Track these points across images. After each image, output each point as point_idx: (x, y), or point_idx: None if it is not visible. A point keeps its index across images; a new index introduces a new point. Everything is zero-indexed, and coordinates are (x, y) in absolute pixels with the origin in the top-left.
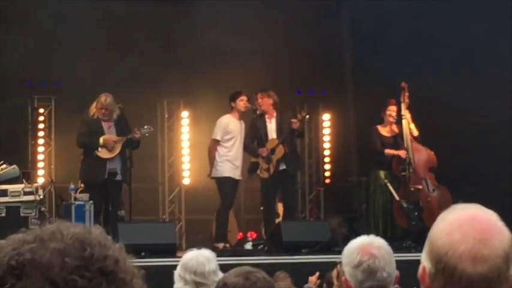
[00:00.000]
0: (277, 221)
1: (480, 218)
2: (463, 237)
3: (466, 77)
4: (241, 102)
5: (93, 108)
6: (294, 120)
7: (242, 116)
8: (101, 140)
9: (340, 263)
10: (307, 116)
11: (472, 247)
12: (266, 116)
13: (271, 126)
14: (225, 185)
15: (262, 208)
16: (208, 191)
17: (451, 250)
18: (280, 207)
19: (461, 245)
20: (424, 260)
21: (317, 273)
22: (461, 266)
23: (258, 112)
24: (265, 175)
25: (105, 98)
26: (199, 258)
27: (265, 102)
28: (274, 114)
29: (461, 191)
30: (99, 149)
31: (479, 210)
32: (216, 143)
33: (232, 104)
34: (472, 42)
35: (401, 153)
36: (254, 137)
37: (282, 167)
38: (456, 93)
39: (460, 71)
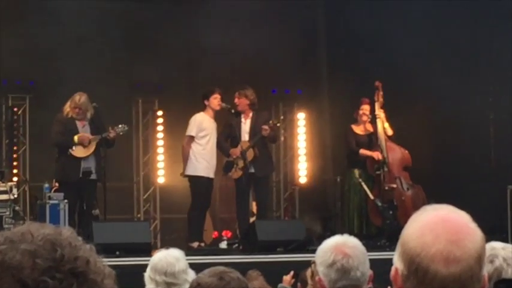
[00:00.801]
0: (251, 220)
1: (452, 219)
2: (435, 239)
3: (441, 76)
4: (215, 101)
5: (67, 108)
6: (264, 127)
7: (216, 115)
8: (76, 138)
9: (314, 262)
10: (278, 124)
11: (445, 248)
12: (242, 116)
13: (245, 127)
14: (200, 184)
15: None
16: (183, 190)
17: (423, 252)
18: (254, 206)
19: (433, 246)
20: (397, 262)
21: (291, 273)
22: (433, 267)
23: (232, 111)
24: (239, 174)
25: (79, 97)
26: (168, 258)
27: (242, 102)
28: (250, 115)
29: (436, 190)
30: (74, 147)
31: (451, 211)
32: (190, 139)
33: (206, 102)
34: (446, 39)
35: (375, 154)
36: (228, 136)
37: (251, 170)
38: (431, 92)
39: (436, 70)
